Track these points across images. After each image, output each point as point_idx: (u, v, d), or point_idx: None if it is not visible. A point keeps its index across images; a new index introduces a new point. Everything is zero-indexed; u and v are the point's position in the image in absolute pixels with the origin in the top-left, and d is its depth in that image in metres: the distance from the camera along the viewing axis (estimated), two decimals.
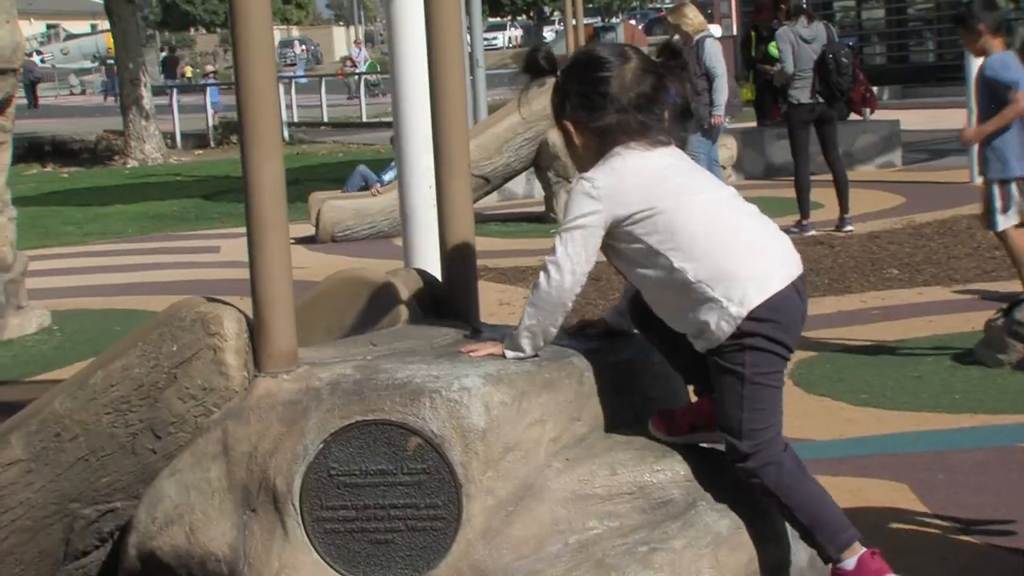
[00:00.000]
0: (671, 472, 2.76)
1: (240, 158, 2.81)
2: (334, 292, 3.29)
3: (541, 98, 14.37)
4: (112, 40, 28.89)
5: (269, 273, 2.76)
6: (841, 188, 11.31)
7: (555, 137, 13.80)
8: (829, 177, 11.49)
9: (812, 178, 11.54)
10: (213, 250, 13.86)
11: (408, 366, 2.75)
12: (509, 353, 2.84)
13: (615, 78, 2.95)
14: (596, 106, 2.94)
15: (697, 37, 11.36)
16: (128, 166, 25.20)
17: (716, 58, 11.23)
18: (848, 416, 6.04)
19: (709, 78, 11.15)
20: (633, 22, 39.47)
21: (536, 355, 2.81)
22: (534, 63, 3.10)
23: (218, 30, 61.95)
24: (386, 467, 2.64)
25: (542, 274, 2.85)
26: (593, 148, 2.94)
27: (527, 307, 2.85)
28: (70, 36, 60.43)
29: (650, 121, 2.92)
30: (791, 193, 11.60)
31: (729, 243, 2.84)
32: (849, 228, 11.24)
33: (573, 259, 2.83)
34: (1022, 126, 6.69)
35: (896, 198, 13.40)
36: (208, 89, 30.51)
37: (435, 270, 3.48)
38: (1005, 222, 6.78)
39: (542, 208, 14.61)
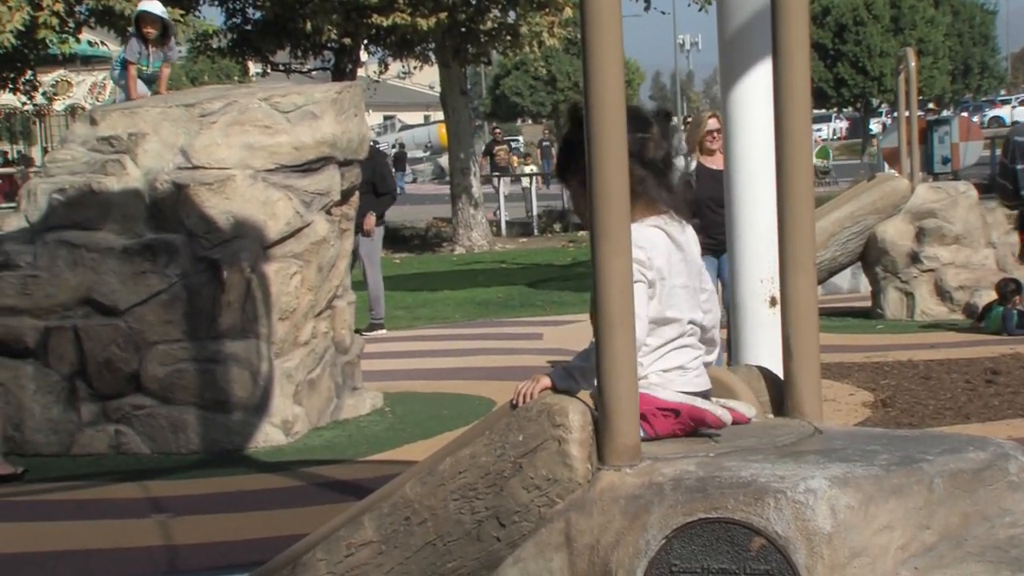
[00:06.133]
0: None
1: (590, 251, 2.87)
2: None
3: (872, 191, 14.13)
4: (445, 131, 29.93)
5: (615, 368, 2.79)
6: None
7: (884, 231, 13.52)
8: None
9: None
10: (536, 336, 14.11)
11: (751, 464, 2.73)
12: (559, 383, 2.98)
13: (651, 140, 3.10)
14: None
15: None
16: (456, 253, 25.98)
17: None
18: None
19: None
20: (965, 114, 38.42)
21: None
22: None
23: (543, 121, 63.48)
24: (728, 566, 2.62)
25: None
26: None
27: (585, 350, 3.00)
28: (405, 127, 62.98)
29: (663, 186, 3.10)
30: None
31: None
32: None
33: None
34: None
35: None
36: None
37: (765, 365, 3.45)
38: None
39: (868, 303, 14.31)
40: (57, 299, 9.40)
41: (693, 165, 9.59)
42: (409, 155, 56.90)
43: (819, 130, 60.10)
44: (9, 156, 46.52)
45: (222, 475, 8.62)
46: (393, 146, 48.67)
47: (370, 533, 2.81)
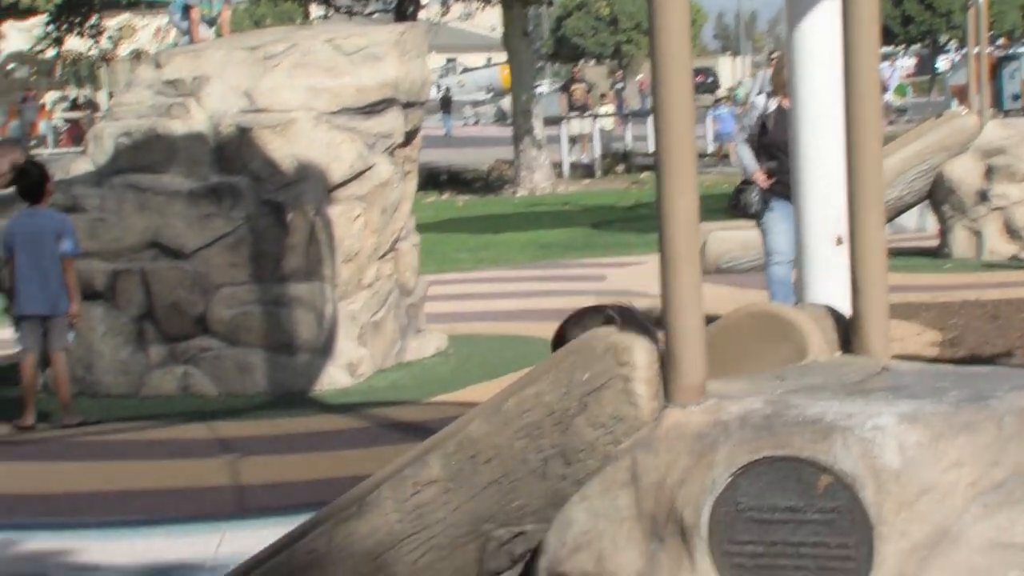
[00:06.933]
0: None
1: (655, 189, 2.85)
2: (740, 325, 3.27)
3: (940, 129, 13.94)
4: (507, 73, 29.84)
5: (681, 305, 2.78)
6: None
7: (952, 170, 13.35)
8: None
9: None
10: (599, 278, 14.09)
11: (818, 402, 2.71)
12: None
13: None
14: None
15: None
16: (518, 195, 25.94)
17: None
18: None
19: None
20: None
21: None
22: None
23: (606, 61, 63.04)
24: (796, 504, 2.61)
25: None
26: None
27: None
28: (466, 69, 62.83)
29: None
30: None
31: None
32: None
33: None
34: None
35: None
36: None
37: (832, 304, 3.42)
38: None
39: (935, 243, 14.16)
40: (124, 242, 9.49)
41: (773, 106, 9.41)
42: (470, 98, 56.76)
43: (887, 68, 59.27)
44: (76, 101, 46.92)
45: (288, 416, 8.71)
46: (439, 89, 48.34)
47: (436, 472, 2.82)
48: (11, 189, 8.94)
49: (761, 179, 9.33)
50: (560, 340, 3.31)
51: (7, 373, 9.63)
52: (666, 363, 2.80)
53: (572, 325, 3.50)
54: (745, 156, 9.61)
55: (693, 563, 2.64)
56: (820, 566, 2.57)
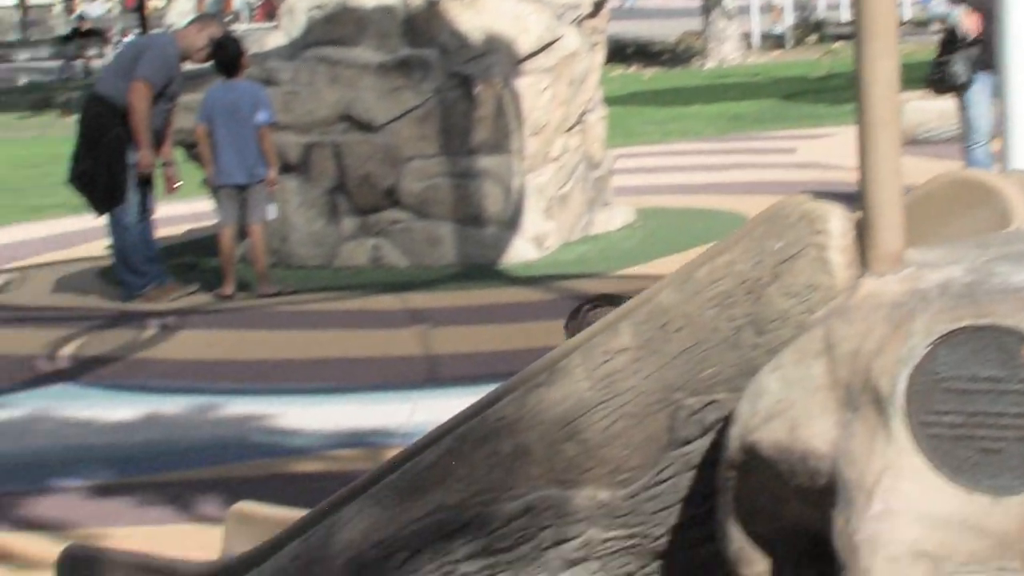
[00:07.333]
0: None
1: (853, 54, 2.76)
2: (939, 193, 3.18)
3: None
4: None
5: (879, 171, 2.70)
6: None
7: None
8: None
9: None
10: (790, 151, 13.86)
11: (1023, 270, 2.62)
12: None
13: None
14: None
15: None
16: (706, 67, 25.53)
17: None
18: None
19: None
20: None
21: None
22: None
23: None
24: (997, 374, 2.54)
25: None
26: None
27: None
28: None
29: None
30: None
31: None
32: None
33: None
34: None
35: None
36: None
37: None
38: None
39: None
40: (317, 115, 9.63)
41: None
42: None
43: None
44: None
45: (477, 288, 8.80)
46: None
47: (627, 340, 2.81)
48: (208, 63, 9.12)
49: (972, 26, 8.72)
50: (572, 331, 3.26)
51: (207, 244, 9.92)
52: (862, 231, 2.73)
53: (569, 320, 3.44)
54: (943, 7, 9.06)
55: (888, 433, 2.60)
56: (1020, 436, 2.50)
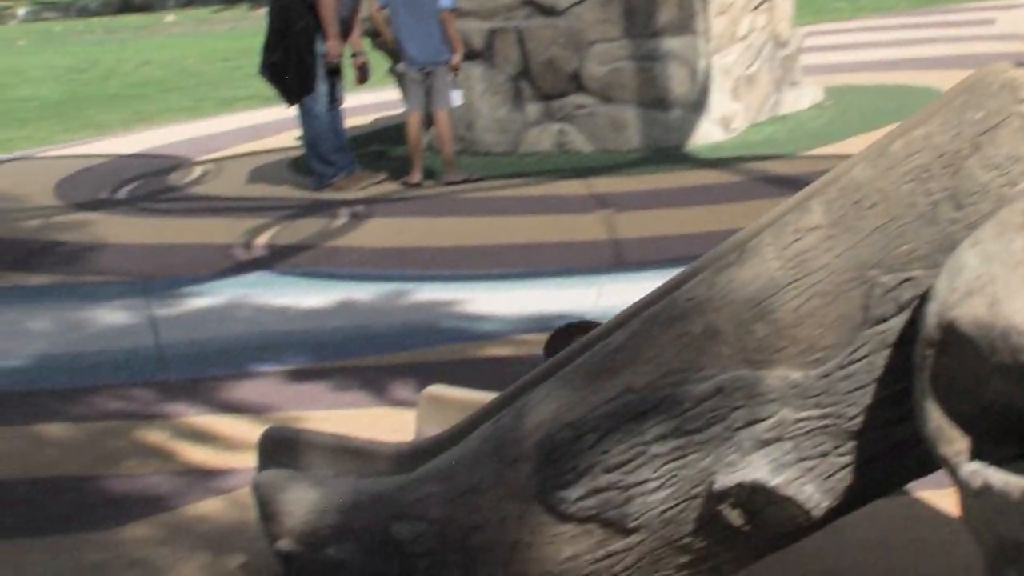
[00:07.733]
0: None
1: None
2: None
3: None
4: None
5: None
6: None
7: None
8: None
9: None
10: (988, 22, 13.36)
11: None
12: None
13: None
14: None
15: None
16: None
17: None
18: None
19: None
20: None
21: None
22: None
23: None
24: None
25: None
26: None
27: None
28: None
29: None
30: None
31: None
32: None
33: None
34: None
35: None
36: None
37: None
38: None
39: None
40: (500, 0, 9.58)
41: None
42: None
43: None
44: None
45: (662, 172, 8.72)
46: None
47: (818, 218, 2.75)
48: None
49: None
50: (551, 350, 3.15)
51: (395, 133, 10.00)
52: None
53: (561, 334, 3.32)
54: None
55: None
56: None
